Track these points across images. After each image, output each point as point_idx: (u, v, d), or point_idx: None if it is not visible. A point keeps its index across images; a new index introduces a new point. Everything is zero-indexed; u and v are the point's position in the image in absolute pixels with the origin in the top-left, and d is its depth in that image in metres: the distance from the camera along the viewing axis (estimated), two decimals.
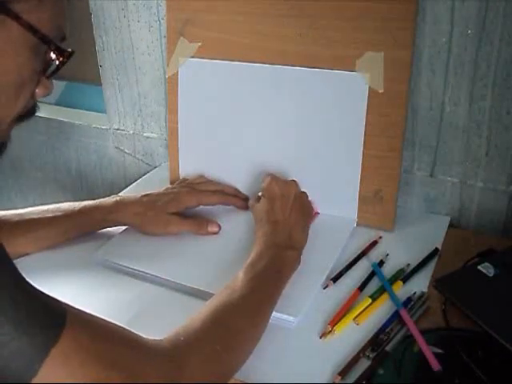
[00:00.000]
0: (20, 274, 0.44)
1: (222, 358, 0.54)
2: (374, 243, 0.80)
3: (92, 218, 0.81)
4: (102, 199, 0.84)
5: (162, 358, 0.49)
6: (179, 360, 0.50)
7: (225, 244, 0.81)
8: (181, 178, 0.97)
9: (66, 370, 0.43)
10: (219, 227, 0.83)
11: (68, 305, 0.46)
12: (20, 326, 0.41)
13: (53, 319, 0.44)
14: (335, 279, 0.73)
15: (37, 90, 0.54)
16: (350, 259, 0.77)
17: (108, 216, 0.81)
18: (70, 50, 0.54)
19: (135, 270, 0.76)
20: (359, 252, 0.78)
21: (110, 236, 0.83)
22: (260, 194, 0.80)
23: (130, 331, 0.50)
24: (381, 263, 0.76)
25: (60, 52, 0.54)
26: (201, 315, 0.57)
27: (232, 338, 0.57)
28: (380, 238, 0.81)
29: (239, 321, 0.59)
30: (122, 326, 0.50)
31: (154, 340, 0.51)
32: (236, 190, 0.91)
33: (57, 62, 0.54)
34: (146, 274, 0.75)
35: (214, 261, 0.77)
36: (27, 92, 0.53)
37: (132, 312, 0.69)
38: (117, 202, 0.82)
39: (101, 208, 0.81)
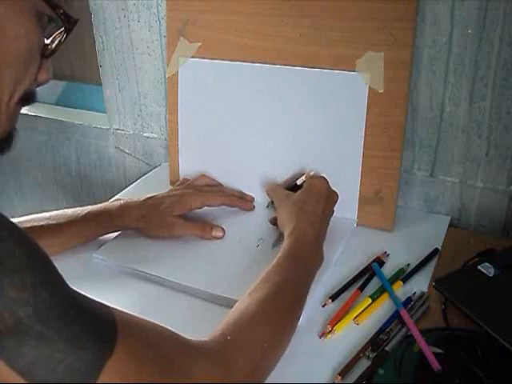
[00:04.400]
0: (66, 285, 0.44)
1: (268, 355, 0.55)
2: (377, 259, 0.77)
3: (97, 224, 0.80)
4: (105, 204, 0.82)
5: (211, 359, 0.49)
6: (228, 361, 0.50)
7: (225, 244, 0.81)
8: (181, 177, 0.97)
9: (123, 379, 0.42)
10: (224, 232, 0.82)
11: (114, 308, 0.46)
12: (74, 341, 0.41)
13: (105, 329, 0.43)
14: (334, 297, 0.70)
15: (38, 75, 0.52)
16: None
17: (113, 221, 0.80)
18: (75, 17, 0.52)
19: (134, 270, 0.76)
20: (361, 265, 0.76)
21: (109, 236, 0.83)
22: (299, 182, 0.83)
23: (175, 332, 0.49)
24: (381, 263, 0.76)
25: (67, 18, 0.52)
26: (247, 309, 0.56)
27: (279, 333, 0.57)
28: (385, 254, 0.78)
29: (285, 315, 0.59)
30: (166, 326, 0.49)
31: (200, 341, 0.51)
32: (240, 192, 0.90)
33: (62, 34, 0.52)
34: (146, 274, 0.75)
35: (214, 260, 0.77)
36: (33, 69, 0.51)
37: (133, 312, 0.69)
38: (121, 206, 0.80)
39: (105, 213, 0.80)
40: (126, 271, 0.76)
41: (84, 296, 0.45)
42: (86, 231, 0.80)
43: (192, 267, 0.76)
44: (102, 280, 0.75)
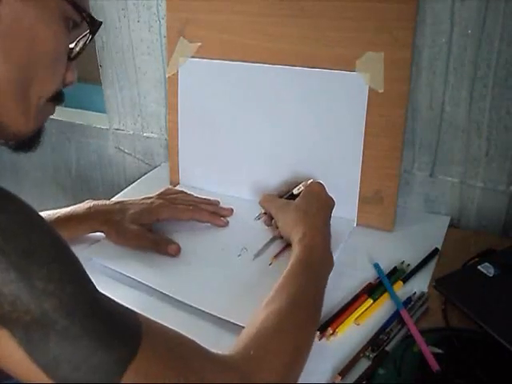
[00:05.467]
0: (93, 284, 0.44)
1: (291, 367, 0.54)
2: None
3: (66, 229, 0.78)
4: (74, 207, 0.82)
5: (235, 372, 0.48)
6: (251, 375, 0.49)
7: (207, 252, 0.79)
8: (180, 177, 0.98)
9: (145, 381, 0.42)
10: (179, 250, 0.78)
11: (140, 314, 0.46)
12: (100, 339, 0.41)
13: (130, 330, 0.43)
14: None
15: (65, 76, 0.55)
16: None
17: (80, 224, 0.80)
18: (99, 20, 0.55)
19: (120, 273, 0.75)
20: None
21: (97, 237, 0.82)
22: (296, 191, 0.81)
23: (200, 344, 0.49)
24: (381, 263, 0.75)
25: (92, 21, 0.54)
26: (267, 323, 0.55)
27: (301, 344, 0.57)
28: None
29: (305, 325, 0.59)
30: (188, 336, 0.49)
31: (224, 354, 0.50)
32: (216, 207, 0.88)
33: (87, 37, 0.55)
34: (131, 278, 0.74)
35: (190, 268, 0.76)
36: (61, 70, 0.54)
37: None
38: (88, 210, 0.81)
39: (74, 217, 0.80)
40: (111, 274, 0.75)
41: (108, 297, 0.45)
42: None
43: (166, 273, 0.75)
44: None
